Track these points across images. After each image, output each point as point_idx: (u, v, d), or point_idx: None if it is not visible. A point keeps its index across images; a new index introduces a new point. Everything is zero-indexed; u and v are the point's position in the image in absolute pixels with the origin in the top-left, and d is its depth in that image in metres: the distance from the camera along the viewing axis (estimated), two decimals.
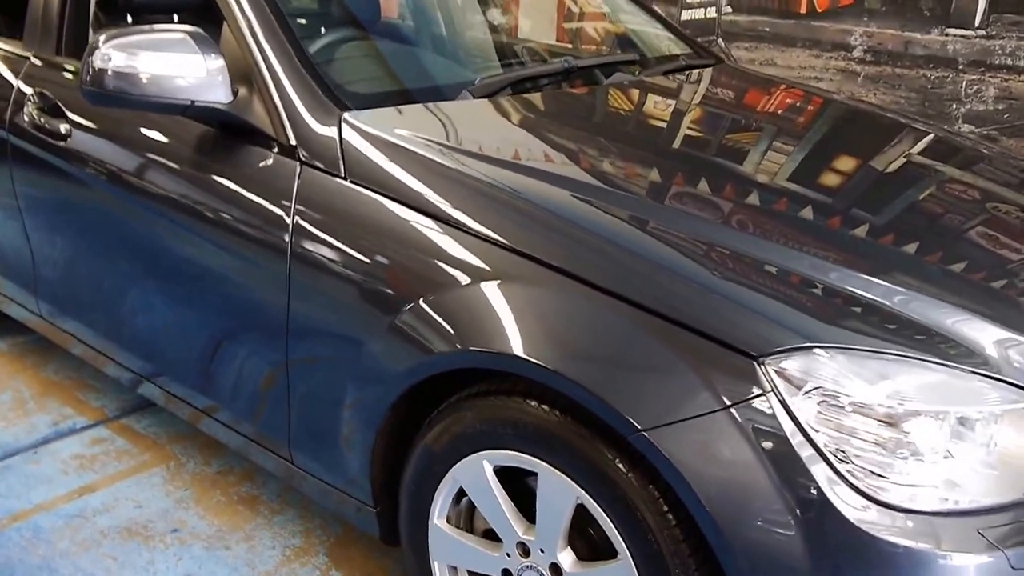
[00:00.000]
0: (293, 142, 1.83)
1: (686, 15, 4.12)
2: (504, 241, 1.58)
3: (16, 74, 2.48)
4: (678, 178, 1.85)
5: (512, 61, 2.72)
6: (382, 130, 1.81)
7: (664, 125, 2.19)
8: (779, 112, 2.44)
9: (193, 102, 1.85)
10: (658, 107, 2.32)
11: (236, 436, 2.16)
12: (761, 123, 2.30)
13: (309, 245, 1.76)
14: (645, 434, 1.37)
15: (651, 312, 1.44)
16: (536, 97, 2.17)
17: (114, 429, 2.67)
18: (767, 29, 4.01)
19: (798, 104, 2.51)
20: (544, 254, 1.54)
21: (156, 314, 2.23)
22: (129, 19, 2.89)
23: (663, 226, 1.62)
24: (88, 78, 1.85)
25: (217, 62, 1.85)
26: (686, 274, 1.48)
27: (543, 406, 1.51)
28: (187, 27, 1.89)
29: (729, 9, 4.10)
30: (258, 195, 1.85)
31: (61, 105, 2.31)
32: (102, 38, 1.84)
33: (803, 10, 3.91)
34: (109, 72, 1.83)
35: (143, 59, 1.83)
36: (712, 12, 4.12)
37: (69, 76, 2.35)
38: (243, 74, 1.91)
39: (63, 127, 2.28)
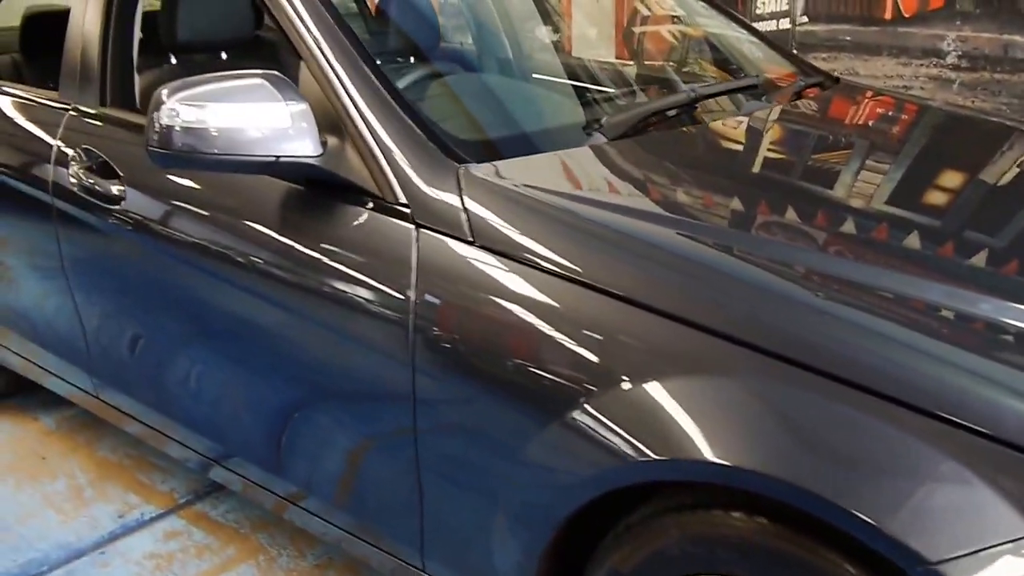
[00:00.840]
0: (403, 200, 1.55)
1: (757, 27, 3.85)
2: (703, 323, 1.28)
3: (55, 129, 2.20)
4: (899, 233, 1.55)
5: (615, 90, 2.43)
6: (514, 186, 1.53)
7: (842, 166, 1.86)
8: (959, 143, 2.11)
9: (278, 158, 1.57)
10: (823, 143, 2.01)
11: (333, 529, 1.88)
12: (946, 156, 1.99)
13: (439, 324, 1.47)
14: (937, 568, 1.09)
15: (914, 409, 1.16)
16: (678, 136, 1.89)
17: (188, 518, 2.38)
18: (848, 38, 3.74)
19: (966, 129, 2.21)
20: (762, 339, 1.25)
21: (233, 393, 1.95)
22: (172, 60, 2.63)
23: (910, 298, 1.32)
24: (155, 138, 1.56)
25: (301, 108, 1.57)
26: (952, 360, 1.20)
27: (779, 525, 1.23)
28: (262, 71, 1.62)
29: (804, 19, 3.84)
30: (367, 263, 1.56)
31: (112, 163, 2.03)
32: (166, 91, 1.56)
33: (888, 16, 3.64)
34: (178, 130, 1.54)
35: (217, 112, 1.54)
36: (785, 23, 3.86)
37: (118, 130, 2.08)
38: (330, 121, 1.63)
39: (115, 188, 2.00)
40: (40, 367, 2.56)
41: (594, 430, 1.31)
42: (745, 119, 2.04)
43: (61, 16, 3.13)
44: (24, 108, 2.35)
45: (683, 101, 2.00)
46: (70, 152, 2.14)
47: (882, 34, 3.66)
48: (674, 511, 1.33)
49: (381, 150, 1.58)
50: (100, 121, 2.13)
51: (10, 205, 2.34)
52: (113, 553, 2.26)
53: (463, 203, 1.49)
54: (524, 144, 1.76)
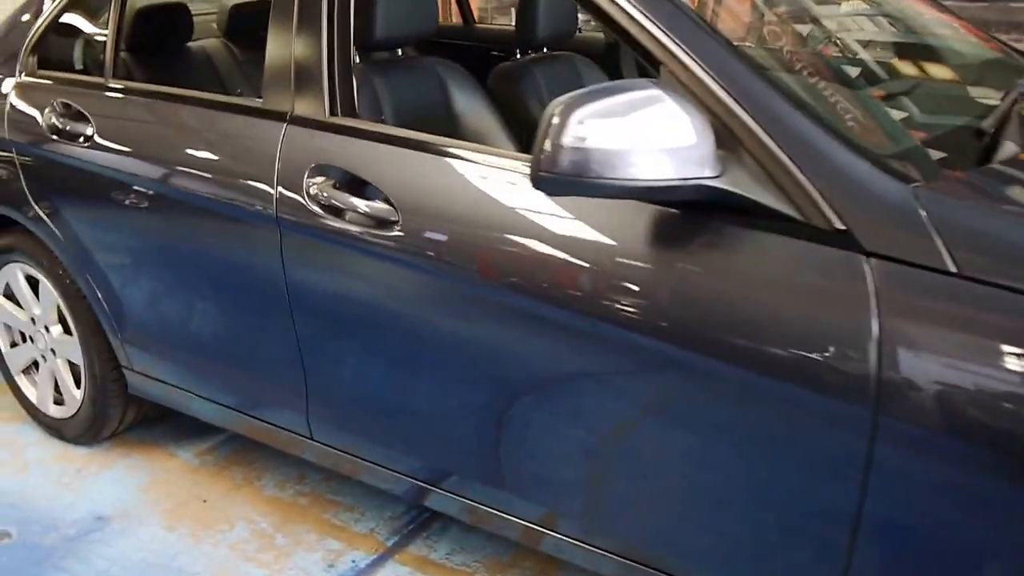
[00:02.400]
0: (839, 226, 1.35)
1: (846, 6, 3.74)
2: None
3: (272, 142, 1.91)
4: None
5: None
6: (1000, 208, 1.38)
7: None
8: None
9: (686, 180, 1.38)
10: None
11: (621, 561, 1.71)
12: None
13: (914, 368, 1.28)
14: None
15: None
16: None
17: (411, 564, 2.17)
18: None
19: None
20: None
21: (505, 422, 1.76)
22: (356, 59, 2.34)
23: None
24: (547, 162, 1.36)
25: (702, 121, 1.39)
26: None
27: None
28: (649, 80, 1.42)
29: None
30: (797, 296, 1.36)
31: (374, 183, 1.76)
32: (559, 108, 1.34)
33: None
34: (574, 152, 1.33)
35: (621, 130, 1.34)
36: None
37: (369, 144, 1.81)
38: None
39: (367, 206, 1.75)
40: (196, 395, 2.31)
41: None
42: None
43: (173, 9, 2.84)
44: (217, 119, 2.06)
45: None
46: (302, 168, 1.86)
47: (989, 10, 3.61)
48: None
49: (803, 168, 1.38)
50: (334, 132, 1.86)
51: (208, 224, 2.06)
52: None
53: (936, 229, 1.31)
54: (935, 159, 1.56)
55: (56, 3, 2.45)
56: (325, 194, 1.82)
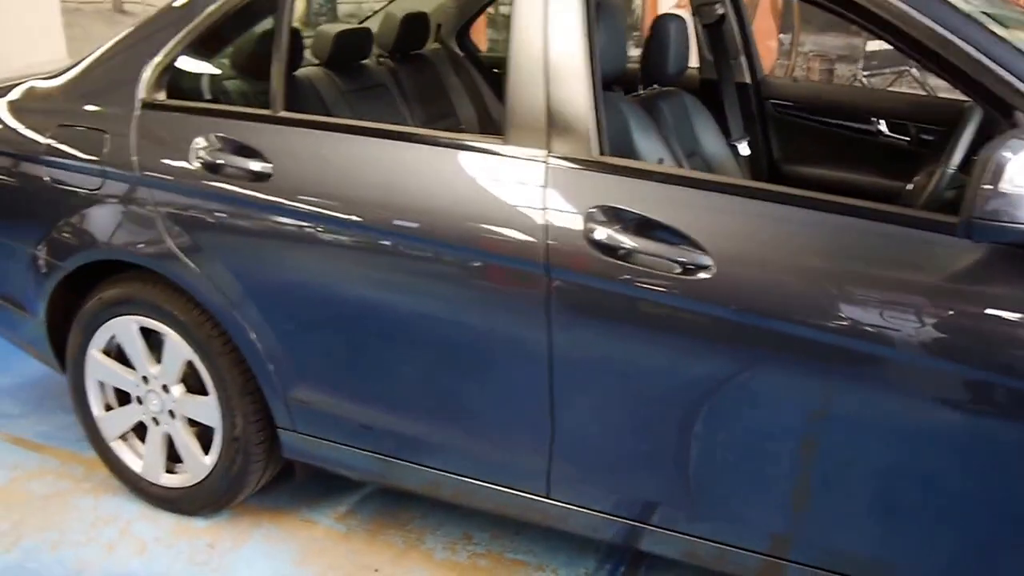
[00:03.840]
0: None
1: None
2: None
3: (531, 185, 1.78)
4: None
5: None
6: None
7: None
8: None
9: None
10: None
11: None
12: None
13: None
14: None
15: None
16: None
17: None
18: None
19: None
20: None
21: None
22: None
23: None
24: (982, 207, 1.34)
25: None
26: None
27: None
28: None
29: None
30: None
31: (684, 231, 1.66)
32: (996, 153, 1.34)
33: None
34: (1017, 199, 1.34)
35: None
36: None
37: (676, 187, 1.71)
38: None
39: (690, 255, 1.66)
40: (384, 455, 2.13)
41: None
42: None
43: (290, 35, 2.61)
44: (445, 157, 1.89)
45: None
46: (578, 212, 1.74)
47: None
48: None
49: None
50: (613, 173, 1.75)
51: (436, 272, 1.89)
52: None
53: None
54: None
55: (191, 25, 2.19)
56: (617, 239, 1.71)
